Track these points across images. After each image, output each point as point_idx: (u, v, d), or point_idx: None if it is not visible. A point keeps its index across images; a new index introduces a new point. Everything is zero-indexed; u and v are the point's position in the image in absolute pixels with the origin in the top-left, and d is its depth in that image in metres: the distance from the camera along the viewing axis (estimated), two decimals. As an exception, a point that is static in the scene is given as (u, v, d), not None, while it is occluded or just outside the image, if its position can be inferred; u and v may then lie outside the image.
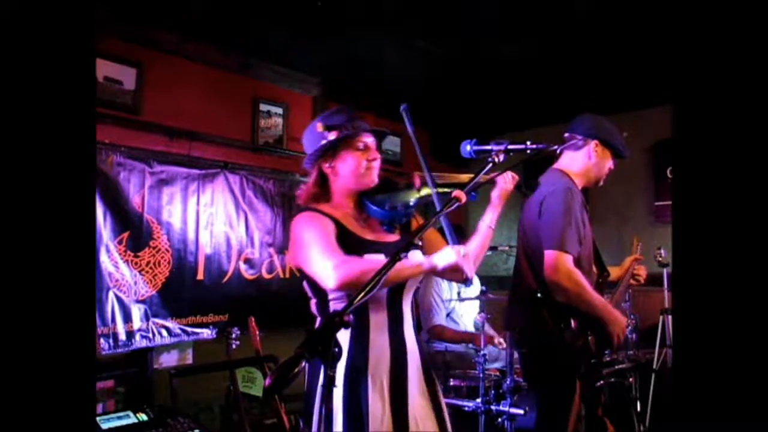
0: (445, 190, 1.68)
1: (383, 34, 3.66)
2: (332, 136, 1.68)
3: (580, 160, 2.42)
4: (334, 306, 1.64)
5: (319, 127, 1.71)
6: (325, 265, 1.52)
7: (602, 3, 3.19)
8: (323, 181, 1.74)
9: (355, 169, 1.69)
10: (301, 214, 1.69)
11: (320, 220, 1.65)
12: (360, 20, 3.44)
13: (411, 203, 1.70)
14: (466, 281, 1.72)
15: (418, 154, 1.71)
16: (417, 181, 1.73)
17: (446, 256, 1.54)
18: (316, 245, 1.57)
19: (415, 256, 1.63)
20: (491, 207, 1.84)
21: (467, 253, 1.55)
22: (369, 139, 1.72)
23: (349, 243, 1.62)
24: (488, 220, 1.84)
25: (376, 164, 1.72)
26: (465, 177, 1.72)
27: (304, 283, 1.71)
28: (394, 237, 1.73)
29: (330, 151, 1.70)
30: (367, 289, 1.21)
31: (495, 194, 1.82)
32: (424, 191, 1.70)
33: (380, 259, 1.60)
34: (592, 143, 2.39)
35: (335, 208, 1.72)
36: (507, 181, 1.81)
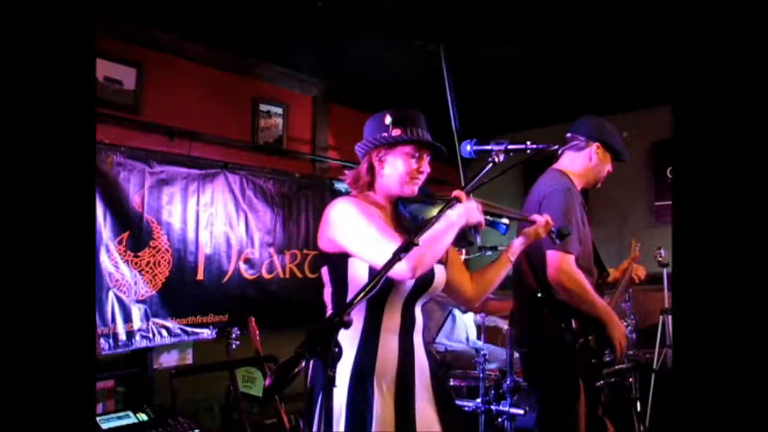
0: (486, 217, 1.70)
1: (383, 34, 3.66)
2: (395, 132, 1.68)
3: (580, 162, 2.42)
4: (351, 297, 1.63)
5: (387, 118, 1.69)
6: (389, 248, 1.42)
7: (602, 3, 3.19)
8: (373, 172, 1.72)
9: (403, 173, 1.68)
10: (345, 198, 1.67)
11: (366, 205, 1.64)
12: (360, 20, 3.44)
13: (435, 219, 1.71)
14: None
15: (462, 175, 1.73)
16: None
17: (473, 211, 1.59)
18: (374, 227, 1.54)
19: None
20: (519, 242, 1.86)
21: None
22: (425, 152, 1.72)
23: None
24: (511, 252, 1.85)
25: (422, 177, 1.71)
26: (509, 211, 1.78)
27: (324, 269, 1.69)
28: None
29: (386, 146, 1.69)
30: (367, 289, 1.22)
31: (529, 231, 1.86)
32: None
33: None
34: (594, 145, 2.39)
35: (375, 203, 1.72)
36: (542, 224, 1.86)
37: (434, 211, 1.69)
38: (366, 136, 1.73)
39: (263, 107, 4.28)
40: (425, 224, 1.58)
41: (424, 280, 1.64)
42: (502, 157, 1.65)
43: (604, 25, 3.45)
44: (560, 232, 1.92)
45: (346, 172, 1.78)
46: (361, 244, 1.55)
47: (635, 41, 3.65)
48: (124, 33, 3.49)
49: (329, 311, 1.70)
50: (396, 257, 1.30)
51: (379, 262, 1.43)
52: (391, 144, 1.67)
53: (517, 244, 1.87)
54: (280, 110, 4.38)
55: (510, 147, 1.65)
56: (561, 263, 2.15)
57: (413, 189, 1.70)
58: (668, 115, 4.39)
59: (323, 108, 4.72)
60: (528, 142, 1.67)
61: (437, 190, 1.77)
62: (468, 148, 1.73)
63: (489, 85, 4.51)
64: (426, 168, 1.71)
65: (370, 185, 1.73)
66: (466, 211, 1.58)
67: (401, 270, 1.45)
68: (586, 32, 3.57)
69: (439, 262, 1.71)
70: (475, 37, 3.67)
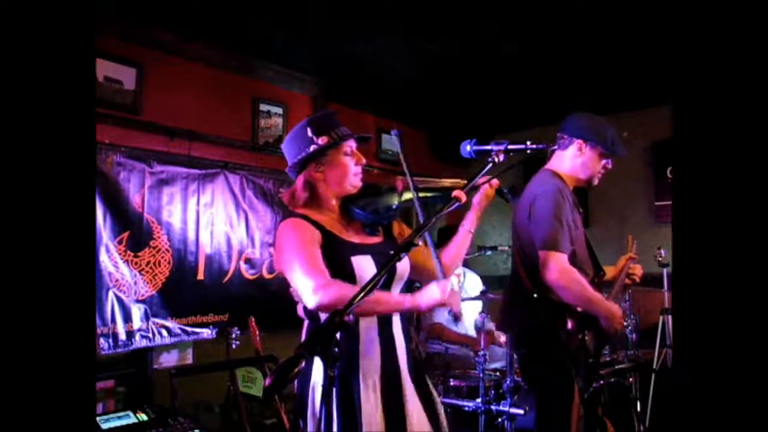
0: (427, 194, 1.74)
1: (383, 34, 3.66)
2: (323, 140, 1.71)
3: (567, 160, 2.41)
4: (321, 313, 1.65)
5: (308, 131, 1.73)
6: (306, 284, 1.53)
7: (602, 2, 3.19)
8: (310, 186, 1.75)
9: (347, 173, 1.73)
10: (287, 221, 1.70)
11: (306, 228, 1.65)
12: (360, 20, 3.44)
13: (393, 206, 1.74)
14: (456, 319, 1.75)
15: (402, 161, 1.73)
16: (399, 185, 1.76)
17: (430, 294, 1.52)
18: (300, 261, 1.58)
19: (394, 296, 1.65)
20: (471, 211, 1.86)
21: (456, 291, 1.53)
22: (353, 144, 1.77)
23: (335, 247, 1.65)
24: (468, 224, 1.86)
25: (361, 168, 1.77)
26: (447, 182, 1.78)
27: (291, 289, 1.72)
28: (377, 239, 1.78)
29: (320, 156, 1.72)
30: (367, 289, 1.22)
31: (476, 199, 1.85)
32: (406, 195, 1.73)
33: (367, 260, 1.65)
34: (576, 142, 2.38)
35: (321, 212, 1.74)
36: (486, 188, 1.85)
37: (387, 199, 1.74)
38: (291, 156, 1.77)
39: (263, 107, 4.28)
40: (384, 216, 1.62)
41: (388, 272, 1.65)
42: (502, 157, 1.65)
43: (604, 24, 3.45)
44: (512, 189, 1.94)
45: (283, 196, 1.83)
46: (291, 278, 1.61)
47: (635, 41, 3.65)
48: (124, 33, 3.48)
49: (305, 325, 1.77)
50: (396, 256, 1.30)
51: (302, 297, 1.54)
52: (324, 152, 1.71)
53: (471, 213, 1.87)
54: (280, 110, 4.38)
55: (510, 147, 1.66)
56: (553, 262, 2.15)
57: (358, 182, 1.75)
58: (668, 115, 4.39)
59: (323, 108, 4.72)
60: (528, 142, 1.67)
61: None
62: (468, 148, 1.73)
63: (489, 85, 4.50)
64: (363, 158, 1.77)
65: (311, 199, 1.75)
66: (426, 297, 1.53)
67: (306, 298, 1.51)
68: (586, 32, 3.56)
69: (414, 245, 1.72)
70: (475, 36, 3.67)
